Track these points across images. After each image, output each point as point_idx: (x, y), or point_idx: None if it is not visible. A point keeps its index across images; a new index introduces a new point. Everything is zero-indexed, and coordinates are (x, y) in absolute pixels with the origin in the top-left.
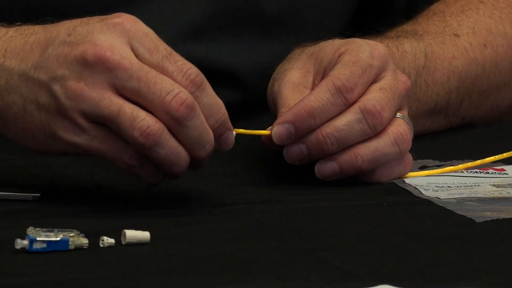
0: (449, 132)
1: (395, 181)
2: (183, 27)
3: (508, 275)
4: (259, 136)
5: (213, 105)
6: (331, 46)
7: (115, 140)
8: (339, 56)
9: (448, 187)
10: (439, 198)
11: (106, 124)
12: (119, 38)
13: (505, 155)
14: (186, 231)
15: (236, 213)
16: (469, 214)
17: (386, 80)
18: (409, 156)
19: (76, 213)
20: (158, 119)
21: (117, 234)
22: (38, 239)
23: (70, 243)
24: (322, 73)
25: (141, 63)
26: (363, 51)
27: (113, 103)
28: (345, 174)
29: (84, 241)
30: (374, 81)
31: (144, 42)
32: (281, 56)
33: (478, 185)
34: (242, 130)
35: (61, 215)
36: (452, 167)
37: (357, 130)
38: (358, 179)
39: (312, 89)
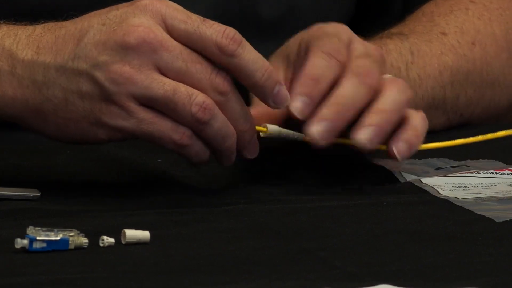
0: (448, 132)
1: (412, 181)
2: None
3: (508, 275)
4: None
5: (257, 60)
6: (293, 40)
7: (164, 120)
8: (306, 46)
9: (465, 187)
10: (457, 198)
11: (158, 105)
12: (154, 18)
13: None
14: (186, 231)
15: (236, 213)
16: (487, 214)
17: (359, 50)
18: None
19: (76, 212)
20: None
21: (117, 234)
22: (38, 238)
23: (70, 242)
24: (292, 66)
25: (181, 45)
26: (326, 27)
27: (165, 83)
28: (337, 128)
29: (84, 240)
30: (349, 51)
31: (177, 15)
32: None
33: (495, 185)
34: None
35: (61, 215)
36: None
37: (361, 92)
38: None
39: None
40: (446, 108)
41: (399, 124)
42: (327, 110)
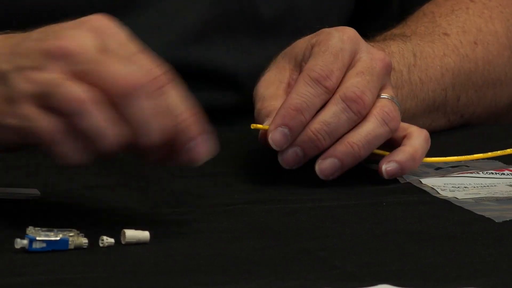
0: (449, 131)
1: (411, 181)
2: (181, 30)
3: (508, 275)
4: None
5: (175, 106)
6: (302, 41)
7: (45, 118)
8: (312, 48)
9: (465, 187)
10: (457, 198)
11: (44, 101)
12: (87, 32)
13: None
14: (186, 231)
15: (236, 213)
16: (487, 214)
17: (362, 62)
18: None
19: (75, 212)
20: (110, 97)
21: (117, 234)
22: (37, 238)
23: (69, 242)
24: (298, 68)
25: (102, 54)
26: (332, 38)
27: (58, 78)
28: (346, 166)
29: (84, 240)
30: (351, 65)
31: (115, 37)
32: None
33: (495, 185)
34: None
35: (61, 215)
36: (465, 157)
37: (344, 119)
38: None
39: (289, 83)
40: (447, 110)
41: (402, 139)
42: (301, 137)
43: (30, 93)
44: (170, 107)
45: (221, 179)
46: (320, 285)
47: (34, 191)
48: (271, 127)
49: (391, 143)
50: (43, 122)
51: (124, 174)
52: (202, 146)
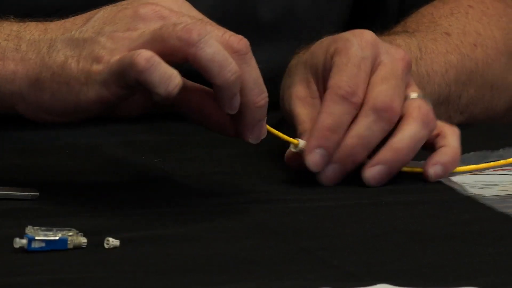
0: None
1: (442, 180)
2: None
3: (508, 274)
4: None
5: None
6: (321, 50)
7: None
8: (331, 58)
9: (495, 184)
10: (484, 196)
11: (149, 47)
12: (168, 1)
13: None
14: (185, 230)
15: (235, 213)
16: (510, 211)
17: (384, 66)
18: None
19: (74, 212)
20: None
21: (116, 234)
22: (36, 238)
23: (68, 242)
24: (322, 79)
25: (193, 16)
26: (351, 46)
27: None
28: (393, 173)
29: (83, 240)
30: (373, 70)
31: (193, 10)
32: (276, 61)
33: None
34: (271, 129)
35: (60, 214)
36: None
37: (377, 130)
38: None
39: (319, 97)
40: (449, 106)
41: (436, 136)
42: (338, 154)
43: (124, 46)
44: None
45: (221, 178)
46: (320, 284)
47: (33, 191)
48: (308, 150)
49: (424, 143)
50: (141, 51)
51: (123, 174)
52: (263, 128)
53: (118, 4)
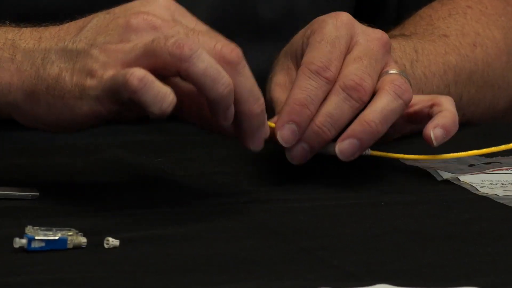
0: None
1: (449, 179)
2: None
3: (508, 274)
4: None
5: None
6: (298, 36)
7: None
8: (307, 39)
9: (502, 184)
10: (498, 195)
11: (142, 63)
12: (162, 10)
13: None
14: (185, 230)
15: (235, 213)
16: None
17: (359, 46)
18: None
19: (74, 212)
20: None
21: (116, 234)
22: (36, 238)
23: (68, 242)
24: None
25: (185, 25)
26: (326, 25)
27: (157, 38)
28: (366, 145)
29: (83, 240)
30: (349, 49)
31: (186, 16)
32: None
33: None
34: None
35: (60, 214)
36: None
37: (346, 108)
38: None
39: None
40: None
41: (431, 106)
42: (307, 132)
43: (117, 59)
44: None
45: (221, 178)
46: (319, 284)
47: (33, 191)
48: (279, 124)
49: (419, 116)
50: (134, 70)
51: (123, 174)
52: (263, 135)
53: (111, 11)
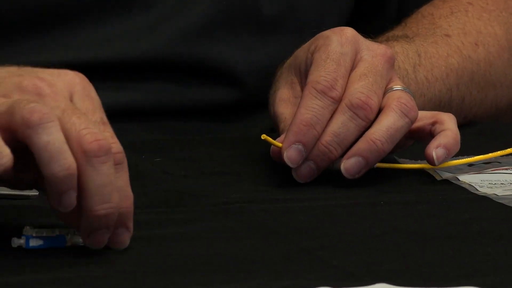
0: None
1: (448, 178)
2: (183, 27)
3: (508, 274)
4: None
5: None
6: (302, 51)
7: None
8: (312, 55)
9: (502, 184)
10: (497, 195)
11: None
12: (62, 84)
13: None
14: (185, 230)
15: (235, 213)
16: None
17: (364, 62)
18: None
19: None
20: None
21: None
22: (34, 235)
23: (67, 239)
24: (304, 78)
25: (72, 104)
26: (331, 42)
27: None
28: (371, 163)
29: (80, 239)
30: (353, 66)
31: (85, 100)
32: (278, 56)
33: None
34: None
35: None
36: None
37: (352, 127)
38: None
39: None
40: (451, 110)
41: (433, 124)
42: (314, 151)
43: None
44: (123, 186)
45: (221, 178)
46: (319, 284)
47: (33, 191)
48: (285, 145)
49: (420, 133)
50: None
51: None
52: (125, 236)
53: (24, 68)
